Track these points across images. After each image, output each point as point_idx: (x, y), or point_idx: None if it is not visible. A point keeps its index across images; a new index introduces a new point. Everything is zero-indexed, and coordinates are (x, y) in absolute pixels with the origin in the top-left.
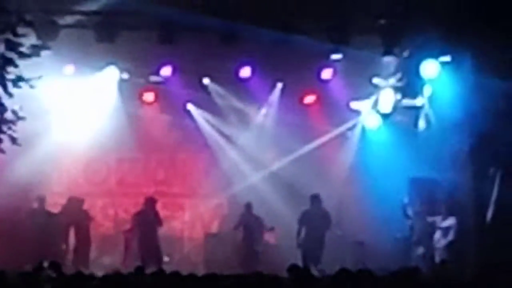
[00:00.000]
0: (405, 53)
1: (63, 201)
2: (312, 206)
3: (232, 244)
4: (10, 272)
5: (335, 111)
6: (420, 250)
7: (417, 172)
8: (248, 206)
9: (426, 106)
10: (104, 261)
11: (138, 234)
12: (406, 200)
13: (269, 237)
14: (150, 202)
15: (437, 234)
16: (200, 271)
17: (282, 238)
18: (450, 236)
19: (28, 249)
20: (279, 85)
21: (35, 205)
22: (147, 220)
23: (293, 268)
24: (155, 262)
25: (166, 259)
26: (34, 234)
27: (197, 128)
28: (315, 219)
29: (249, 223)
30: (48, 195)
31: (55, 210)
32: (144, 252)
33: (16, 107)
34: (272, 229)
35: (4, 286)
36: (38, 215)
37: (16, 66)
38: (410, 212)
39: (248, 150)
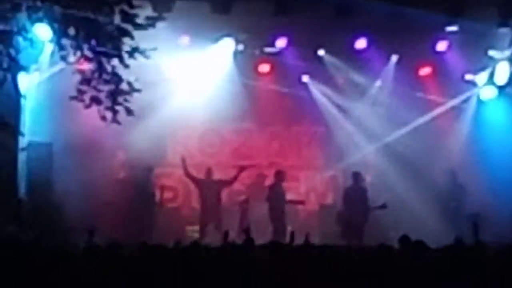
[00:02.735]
0: None
1: (178, 172)
2: None
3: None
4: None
5: (450, 83)
6: None
7: None
8: (355, 176)
9: None
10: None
11: (269, 207)
12: None
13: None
14: (281, 175)
15: None
16: (316, 242)
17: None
18: None
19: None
20: (394, 57)
21: (202, 175)
22: (278, 193)
23: (404, 239)
24: (282, 234)
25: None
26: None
27: (312, 99)
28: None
29: (351, 194)
30: (163, 166)
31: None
32: (273, 223)
33: (131, 79)
34: (384, 207)
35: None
36: (207, 185)
37: (132, 37)
38: None
39: (363, 122)
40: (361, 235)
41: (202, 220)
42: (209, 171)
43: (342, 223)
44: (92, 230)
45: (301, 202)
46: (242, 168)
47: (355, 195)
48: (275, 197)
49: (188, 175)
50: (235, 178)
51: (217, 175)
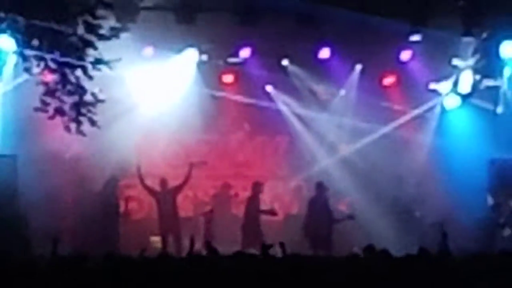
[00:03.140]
0: (485, 34)
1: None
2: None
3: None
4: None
5: (414, 92)
6: (507, 232)
7: (497, 154)
8: (319, 186)
9: (506, 87)
10: (184, 243)
11: (244, 220)
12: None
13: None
14: (259, 187)
15: None
16: (279, 253)
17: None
18: None
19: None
20: (358, 67)
21: (158, 187)
22: (255, 204)
23: (368, 248)
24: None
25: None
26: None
27: (276, 110)
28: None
29: (316, 204)
30: (128, 177)
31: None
32: (248, 236)
33: (95, 90)
34: (351, 217)
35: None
36: (163, 196)
37: (95, 48)
38: (491, 194)
39: (326, 132)
40: (329, 245)
41: (162, 231)
42: (163, 182)
43: (309, 234)
44: (56, 241)
45: (274, 213)
46: (191, 165)
47: (320, 205)
48: (253, 208)
49: (144, 186)
50: (186, 178)
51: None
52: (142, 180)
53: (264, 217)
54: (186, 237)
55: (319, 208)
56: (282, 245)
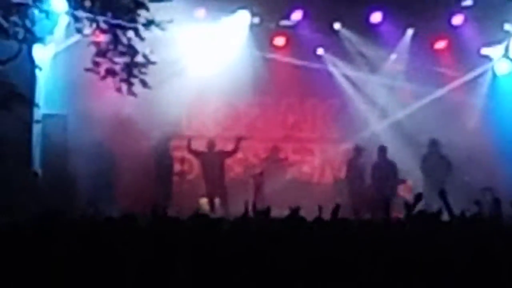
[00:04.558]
0: None
1: (194, 145)
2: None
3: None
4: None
5: (465, 57)
6: None
7: None
8: (382, 150)
9: None
10: (231, 206)
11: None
12: None
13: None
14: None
15: None
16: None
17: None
18: None
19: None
20: (410, 31)
21: (204, 148)
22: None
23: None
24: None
25: None
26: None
27: (327, 73)
28: (432, 165)
29: (381, 168)
30: (179, 139)
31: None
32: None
33: (147, 51)
34: (403, 181)
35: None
36: (209, 157)
37: (147, 9)
38: None
39: (377, 95)
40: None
41: (208, 193)
42: (211, 143)
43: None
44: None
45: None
46: (239, 139)
47: (382, 170)
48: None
49: (190, 151)
50: (234, 150)
51: (229, 149)
52: (189, 146)
53: (314, 180)
54: (236, 199)
55: (382, 173)
56: (336, 208)
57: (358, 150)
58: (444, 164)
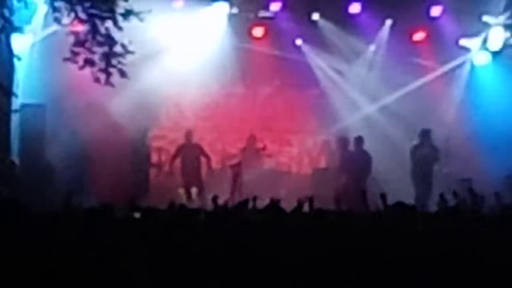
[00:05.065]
0: None
1: (172, 135)
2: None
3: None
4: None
5: (444, 49)
6: None
7: None
8: (359, 140)
9: None
10: (208, 196)
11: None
12: None
13: None
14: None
15: None
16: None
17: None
18: None
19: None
20: (388, 22)
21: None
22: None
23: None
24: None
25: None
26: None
27: (305, 63)
28: (424, 154)
29: (355, 159)
30: (158, 129)
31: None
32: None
33: (125, 41)
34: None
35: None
36: (187, 148)
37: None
38: None
39: (358, 84)
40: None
41: (185, 183)
42: (189, 134)
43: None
44: (70, 193)
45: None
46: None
47: (357, 160)
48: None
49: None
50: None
51: (207, 139)
52: (173, 159)
53: (293, 170)
54: (214, 189)
55: (356, 164)
56: (310, 200)
57: (343, 141)
58: (434, 154)
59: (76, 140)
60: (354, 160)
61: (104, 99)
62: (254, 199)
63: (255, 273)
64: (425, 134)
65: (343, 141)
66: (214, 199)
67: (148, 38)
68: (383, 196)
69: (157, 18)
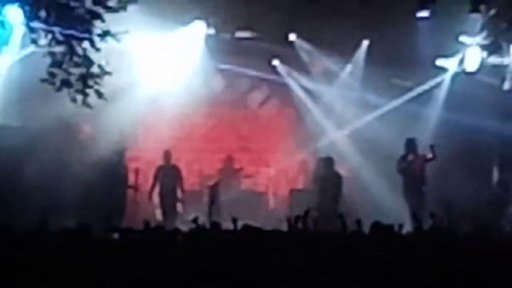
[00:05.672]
0: (492, 11)
1: (148, 156)
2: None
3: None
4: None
5: (421, 69)
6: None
7: (505, 130)
8: (329, 162)
9: None
10: (189, 216)
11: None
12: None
13: None
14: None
15: None
16: (285, 227)
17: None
18: None
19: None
20: (365, 42)
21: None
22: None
23: (375, 225)
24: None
25: None
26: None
27: (282, 84)
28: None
29: (325, 180)
30: (134, 149)
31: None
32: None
33: (102, 62)
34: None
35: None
36: (165, 169)
37: (103, 20)
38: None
39: (333, 107)
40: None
41: (162, 204)
42: (167, 154)
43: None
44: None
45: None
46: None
47: (329, 182)
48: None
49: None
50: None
51: (184, 160)
52: (152, 187)
53: (270, 190)
54: (191, 210)
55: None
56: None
57: (326, 162)
58: (421, 162)
59: (55, 162)
60: (327, 181)
61: (82, 121)
62: (235, 221)
63: None
64: (410, 143)
65: (323, 162)
66: (195, 220)
67: (125, 59)
68: (358, 222)
69: (135, 38)
